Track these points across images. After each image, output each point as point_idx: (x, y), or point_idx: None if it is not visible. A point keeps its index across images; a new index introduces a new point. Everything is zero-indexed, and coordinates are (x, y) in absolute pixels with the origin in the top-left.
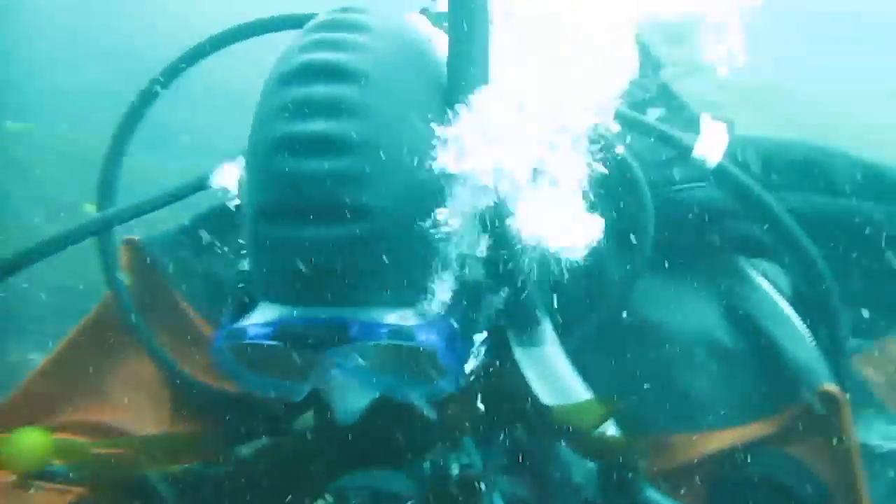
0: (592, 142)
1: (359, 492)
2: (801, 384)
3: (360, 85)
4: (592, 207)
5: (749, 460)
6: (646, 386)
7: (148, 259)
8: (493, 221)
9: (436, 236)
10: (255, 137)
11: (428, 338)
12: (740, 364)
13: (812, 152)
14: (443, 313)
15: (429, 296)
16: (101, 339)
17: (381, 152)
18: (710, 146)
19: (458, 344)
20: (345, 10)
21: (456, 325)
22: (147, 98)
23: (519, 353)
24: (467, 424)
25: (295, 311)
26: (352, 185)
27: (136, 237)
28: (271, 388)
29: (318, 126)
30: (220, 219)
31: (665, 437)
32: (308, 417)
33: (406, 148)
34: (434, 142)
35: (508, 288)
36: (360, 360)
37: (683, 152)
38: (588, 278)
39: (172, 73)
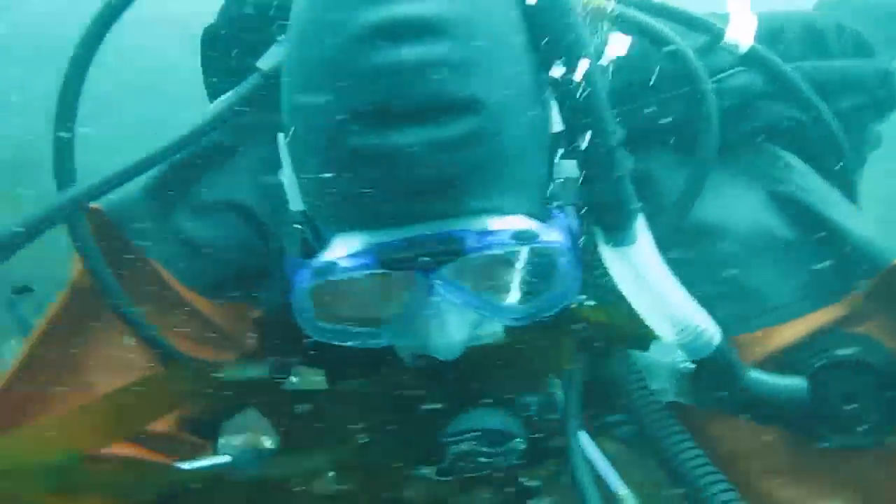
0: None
1: (469, 436)
2: (867, 261)
3: None
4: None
5: (823, 347)
6: (711, 289)
7: (115, 227)
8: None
9: (539, 131)
10: (318, 36)
11: (555, 238)
12: (800, 251)
13: (804, 19)
14: (555, 213)
15: (534, 197)
16: (77, 323)
17: (482, 34)
18: (741, 30)
19: (577, 245)
20: None
21: (572, 223)
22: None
23: (608, 254)
24: (562, 353)
25: (390, 233)
26: (459, 74)
27: (98, 205)
28: (352, 337)
29: (410, 8)
30: (184, 172)
31: (737, 338)
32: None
33: (506, 29)
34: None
35: (603, 182)
36: (462, 284)
37: (715, 38)
38: (642, 187)
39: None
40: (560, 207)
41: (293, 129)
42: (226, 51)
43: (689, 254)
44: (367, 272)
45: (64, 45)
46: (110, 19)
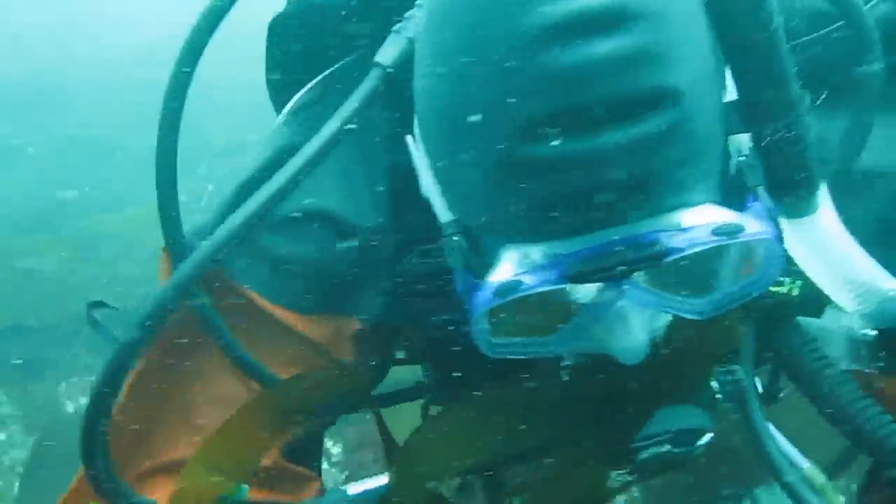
0: None
1: (661, 439)
2: None
3: None
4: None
5: None
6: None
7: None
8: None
9: (722, 109)
10: (481, 36)
11: (759, 229)
12: None
13: None
14: (749, 198)
15: (718, 180)
16: (177, 359)
17: (671, 16)
18: None
19: (780, 231)
20: None
21: (767, 205)
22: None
23: (785, 225)
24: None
25: (576, 242)
26: (655, 65)
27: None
28: (525, 349)
29: (592, 1)
30: (258, 185)
31: None
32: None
33: (690, 7)
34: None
35: (788, 156)
36: (649, 285)
37: None
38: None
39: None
40: (752, 190)
41: (443, 135)
42: (297, 42)
43: (858, 206)
44: (555, 287)
45: None
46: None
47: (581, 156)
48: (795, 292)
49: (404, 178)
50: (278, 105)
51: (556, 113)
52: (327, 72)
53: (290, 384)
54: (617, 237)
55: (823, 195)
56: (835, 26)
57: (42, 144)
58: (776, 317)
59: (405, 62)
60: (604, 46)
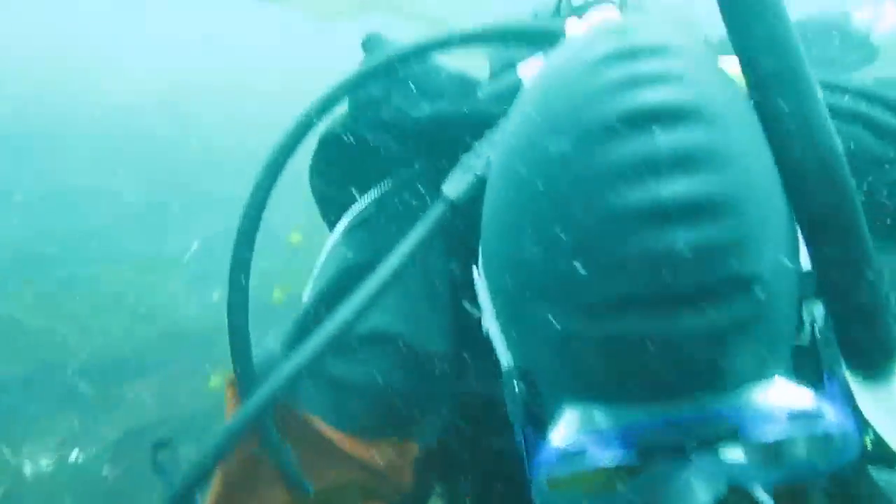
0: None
1: None
2: None
3: (708, 125)
4: None
5: None
6: None
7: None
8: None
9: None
10: (563, 211)
11: (838, 417)
12: None
13: None
14: (827, 378)
15: (790, 350)
16: (242, 495)
17: (753, 203)
18: None
19: (859, 415)
20: (623, 29)
21: (837, 382)
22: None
23: (862, 394)
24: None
25: (647, 410)
26: (737, 254)
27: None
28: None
29: (678, 187)
30: (322, 308)
31: None
32: None
33: (768, 189)
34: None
35: (862, 326)
36: (722, 459)
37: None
38: None
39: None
40: (830, 367)
41: (513, 287)
42: (350, 156)
43: None
44: (622, 463)
45: None
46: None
47: (657, 336)
48: (869, 447)
49: (463, 302)
50: (326, 212)
51: (635, 294)
52: (381, 190)
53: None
54: (689, 412)
55: None
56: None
57: (31, 191)
58: (847, 465)
59: (472, 198)
60: (689, 235)
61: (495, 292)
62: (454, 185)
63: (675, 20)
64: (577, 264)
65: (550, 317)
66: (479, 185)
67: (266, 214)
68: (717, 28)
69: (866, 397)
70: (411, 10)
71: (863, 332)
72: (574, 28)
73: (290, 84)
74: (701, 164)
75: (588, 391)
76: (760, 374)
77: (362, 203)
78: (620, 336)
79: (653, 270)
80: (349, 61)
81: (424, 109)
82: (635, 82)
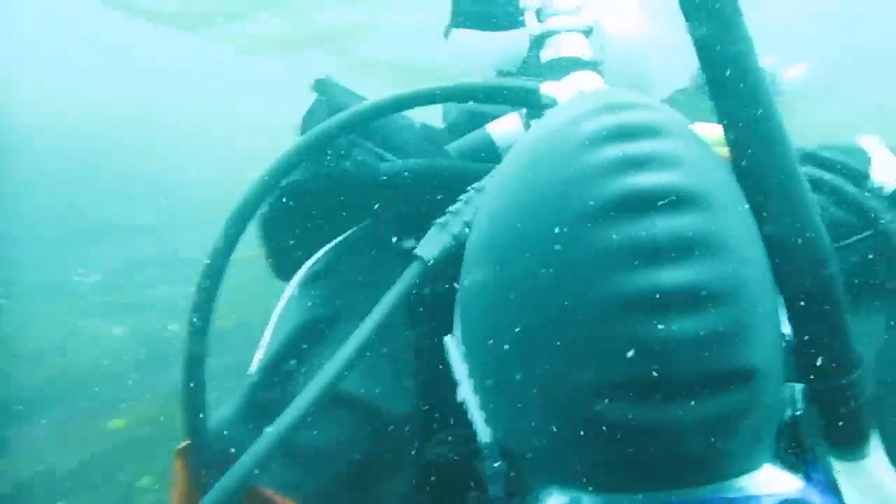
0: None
1: None
2: None
3: (705, 211)
4: None
5: None
6: None
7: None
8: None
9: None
10: (555, 296)
11: (822, 500)
12: None
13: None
14: (811, 464)
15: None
16: None
17: (749, 290)
18: (887, 170)
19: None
20: (615, 105)
21: (819, 462)
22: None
23: (841, 471)
24: None
25: (635, 501)
26: (736, 345)
27: (185, 443)
28: None
29: (678, 275)
30: (278, 369)
31: None
32: None
33: (761, 275)
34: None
35: (840, 411)
36: None
37: (860, 180)
38: None
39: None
40: (811, 451)
41: (498, 360)
42: (308, 210)
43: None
44: None
45: None
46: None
47: (652, 426)
48: None
49: (431, 367)
50: (279, 263)
51: (631, 382)
52: (335, 242)
53: None
54: (677, 500)
55: (874, 439)
56: (861, 236)
57: None
58: None
59: (447, 259)
60: (690, 324)
61: (476, 366)
62: (429, 247)
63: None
64: (571, 349)
65: (539, 400)
66: (456, 247)
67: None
68: (670, 81)
69: (842, 472)
70: (341, 48)
71: (841, 414)
72: (552, 91)
73: (208, 115)
74: (700, 252)
75: (576, 478)
76: (751, 463)
77: (319, 254)
78: (614, 424)
79: (651, 358)
80: (273, 95)
81: (395, 164)
82: (630, 164)
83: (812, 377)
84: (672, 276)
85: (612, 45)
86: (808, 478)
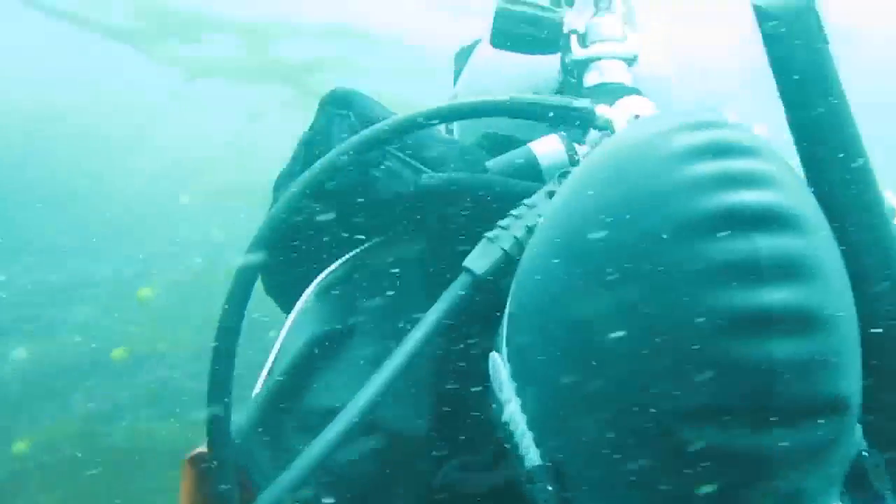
0: None
1: None
2: None
3: (805, 234)
4: None
5: None
6: None
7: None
8: None
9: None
10: (651, 311)
11: None
12: None
13: None
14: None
15: None
16: None
17: (844, 317)
18: None
19: None
20: (705, 124)
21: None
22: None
23: None
24: None
25: None
26: (834, 373)
27: (197, 450)
28: None
29: (782, 296)
30: (295, 378)
31: None
32: None
33: (851, 305)
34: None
35: None
36: None
37: None
38: None
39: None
40: (879, 494)
41: (570, 381)
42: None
43: None
44: None
45: None
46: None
47: (742, 454)
48: None
49: (453, 386)
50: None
51: (726, 405)
52: (354, 252)
53: None
54: None
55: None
56: None
57: None
58: None
59: (497, 274)
60: (790, 348)
61: (529, 384)
62: (480, 260)
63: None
64: (659, 366)
65: (611, 422)
66: (507, 262)
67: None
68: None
69: None
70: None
71: None
72: (607, 114)
73: (125, 129)
74: (803, 275)
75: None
76: (827, 499)
77: (336, 265)
78: (700, 451)
79: (751, 382)
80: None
81: (436, 176)
82: (730, 181)
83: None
84: (775, 297)
85: (641, 76)
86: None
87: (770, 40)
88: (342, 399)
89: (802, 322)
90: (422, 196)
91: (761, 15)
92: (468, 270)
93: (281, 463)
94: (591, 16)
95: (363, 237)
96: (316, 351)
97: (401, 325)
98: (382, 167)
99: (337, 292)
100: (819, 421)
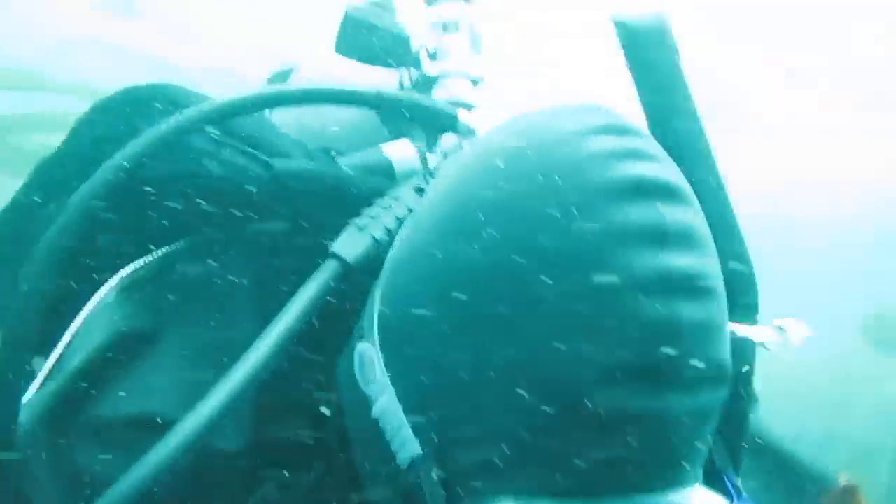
0: None
1: None
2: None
3: (696, 209)
4: None
5: None
6: None
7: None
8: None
9: None
10: (558, 270)
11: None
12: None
13: None
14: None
15: None
16: None
17: (721, 290)
18: None
19: None
20: (592, 107)
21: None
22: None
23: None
24: None
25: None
26: (723, 338)
27: None
28: None
29: (684, 262)
30: (84, 379)
31: None
32: None
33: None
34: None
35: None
36: None
37: None
38: None
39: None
40: (725, 474)
41: (461, 356)
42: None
43: None
44: None
45: None
46: None
47: (649, 415)
48: None
49: (280, 392)
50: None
51: (633, 365)
52: (168, 248)
53: None
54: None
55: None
56: None
57: None
58: None
59: (369, 262)
60: (691, 311)
61: (410, 368)
62: (349, 247)
63: None
64: (567, 325)
65: (508, 393)
66: (376, 252)
67: None
68: None
69: None
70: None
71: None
72: (467, 119)
73: None
74: (699, 245)
75: (537, 484)
76: (697, 475)
77: (145, 259)
78: (607, 413)
79: (655, 342)
80: None
81: (289, 164)
82: (630, 155)
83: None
84: (681, 261)
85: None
86: (731, 497)
87: (628, 49)
88: (145, 406)
89: (702, 288)
90: (274, 185)
91: (620, 27)
92: (337, 257)
93: (64, 479)
94: (439, 36)
95: (176, 233)
96: (117, 350)
97: (216, 326)
98: (220, 156)
99: (145, 289)
100: (713, 385)
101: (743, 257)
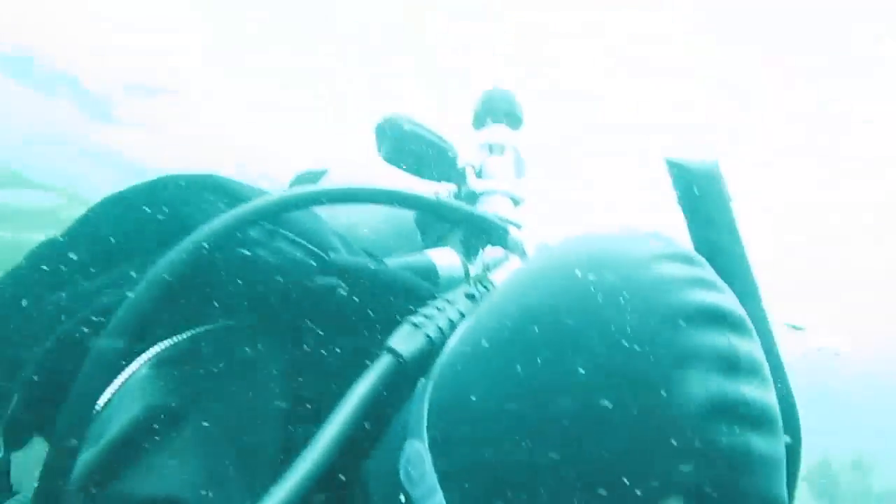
0: None
1: None
2: None
3: (756, 340)
4: None
5: None
6: None
7: None
8: None
9: None
10: (630, 390)
11: None
12: None
13: None
14: None
15: None
16: None
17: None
18: None
19: None
20: (657, 236)
21: None
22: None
23: None
24: None
25: None
26: (782, 475)
27: None
28: None
29: (756, 393)
30: (115, 458)
31: None
32: None
33: None
34: None
35: None
36: None
37: None
38: None
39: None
40: None
41: (506, 468)
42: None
43: None
44: None
45: None
46: None
47: None
48: None
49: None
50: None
51: (700, 491)
52: (198, 330)
53: None
54: None
55: None
56: None
57: None
58: None
59: (421, 359)
60: (762, 444)
61: (468, 472)
62: (404, 343)
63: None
64: (635, 446)
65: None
66: (430, 350)
67: None
68: None
69: None
70: None
71: None
72: (519, 236)
73: None
74: (766, 378)
75: None
76: None
77: (179, 337)
78: None
79: (728, 469)
80: None
81: (344, 258)
82: (699, 284)
83: None
84: (752, 392)
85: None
86: None
87: (682, 192)
88: (164, 489)
89: (770, 422)
90: (326, 278)
91: (674, 167)
92: (393, 352)
93: None
94: (485, 157)
95: (218, 315)
96: (148, 425)
97: (243, 410)
98: (270, 247)
99: (179, 366)
100: None
101: (787, 399)
